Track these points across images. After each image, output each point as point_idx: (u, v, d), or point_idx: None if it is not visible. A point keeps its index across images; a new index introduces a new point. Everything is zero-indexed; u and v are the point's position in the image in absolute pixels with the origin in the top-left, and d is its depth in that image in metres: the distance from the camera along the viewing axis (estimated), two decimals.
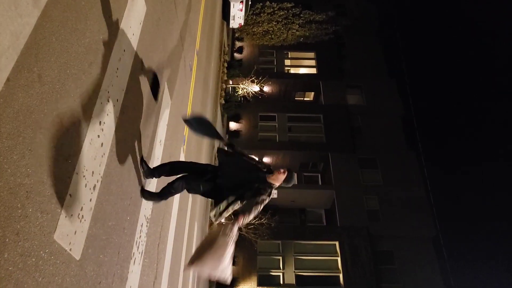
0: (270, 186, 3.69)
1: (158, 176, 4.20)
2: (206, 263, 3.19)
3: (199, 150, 9.71)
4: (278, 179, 3.64)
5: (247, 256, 17.84)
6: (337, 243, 18.62)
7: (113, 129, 3.17)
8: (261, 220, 16.30)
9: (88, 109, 2.69)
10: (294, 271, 18.16)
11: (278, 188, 3.78)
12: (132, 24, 3.67)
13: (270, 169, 3.75)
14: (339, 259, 18.31)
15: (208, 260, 3.17)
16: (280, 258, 18.52)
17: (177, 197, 6.20)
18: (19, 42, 1.88)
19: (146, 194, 4.00)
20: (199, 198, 10.33)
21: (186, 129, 7.22)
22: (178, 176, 4.00)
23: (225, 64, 20.71)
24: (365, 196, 19.83)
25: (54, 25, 2.21)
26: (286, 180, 3.65)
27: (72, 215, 2.38)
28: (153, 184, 4.48)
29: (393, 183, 20.06)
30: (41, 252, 2.04)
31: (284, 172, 3.62)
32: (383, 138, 21.45)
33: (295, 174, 3.83)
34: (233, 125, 21.94)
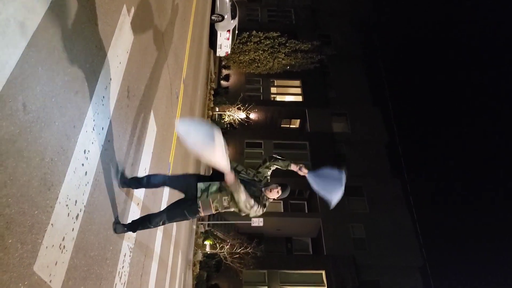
0: (266, 198, 3.80)
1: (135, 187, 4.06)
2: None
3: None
4: (272, 195, 3.76)
5: (232, 286, 17.47)
6: (323, 272, 18.43)
7: (98, 157, 3.15)
8: (246, 249, 16.09)
9: (73, 137, 2.67)
10: None
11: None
12: (119, 52, 3.71)
13: (267, 183, 3.87)
14: None
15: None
16: None
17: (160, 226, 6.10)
18: (5, 72, 1.89)
19: (119, 227, 3.66)
20: (184, 227, 10.18)
21: (172, 156, 7.20)
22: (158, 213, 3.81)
23: (212, 92, 20.91)
24: (352, 224, 19.80)
25: (40, 54, 2.23)
26: (282, 194, 3.80)
27: (53, 245, 2.33)
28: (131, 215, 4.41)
29: (379, 211, 20.11)
30: (20, 284, 1.98)
31: (278, 192, 3.75)
32: (368, 166, 21.68)
33: (288, 188, 3.88)
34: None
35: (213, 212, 3.64)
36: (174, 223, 7.80)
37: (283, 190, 3.78)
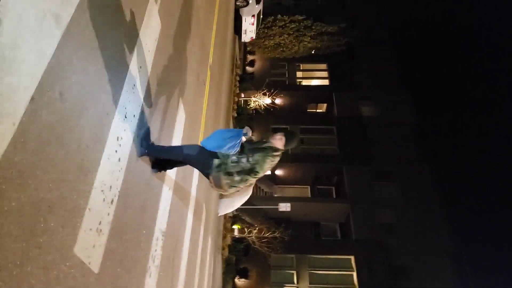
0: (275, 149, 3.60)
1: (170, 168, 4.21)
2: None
3: None
4: (277, 143, 3.60)
5: (261, 270, 17.71)
6: (352, 257, 18.36)
7: (130, 144, 3.24)
8: (274, 234, 16.22)
9: (106, 124, 2.76)
10: (309, 286, 17.94)
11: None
12: (148, 41, 3.77)
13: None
14: (354, 273, 18.03)
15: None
16: (294, 272, 18.33)
17: (191, 210, 6.24)
18: (43, 62, 1.96)
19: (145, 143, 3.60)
20: (213, 211, 10.35)
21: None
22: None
23: (237, 78, 20.92)
24: (381, 209, 19.55)
25: (74, 44, 2.29)
26: (287, 142, 3.59)
27: (91, 229, 2.43)
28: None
29: (409, 196, 19.75)
30: (62, 265, 2.09)
31: (280, 139, 3.59)
32: (398, 150, 21.21)
33: (293, 135, 3.69)
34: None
35: (223, 188, 3.53)
36: (204, 208, 7.94)
37: (287, 138, 3.59)
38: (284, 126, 22.57)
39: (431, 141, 22.78)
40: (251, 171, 3.48)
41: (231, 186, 3.51)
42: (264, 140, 3.70)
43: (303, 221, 20.87)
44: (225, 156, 3.53)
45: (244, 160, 3.47)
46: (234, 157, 3.50)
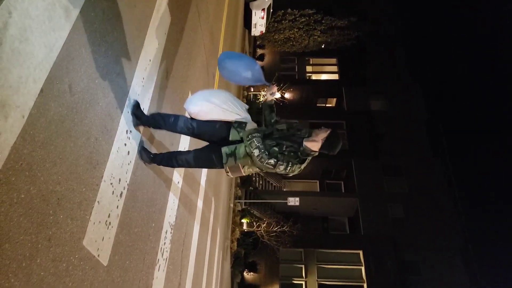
0: (307, 153, 3.11)
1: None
2: None
3: None
4: (317, 139, 3.06)
5: (269, 264, 17.77)
6: (361, 252, 18.33)
7: (139, 137, 3.24)
8: (283, 228, 16.24)
9: (116, 118, 2.76)
10: (317, 280, 17.96)
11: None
12: (157, 34, 3.75)
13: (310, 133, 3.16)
14: (363, 268, 18.01)
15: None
16: (303, 266, 18.36)
17: (200, 203, 6.25)
18: (52, 54, 1.96)
19: (145, 155, 3.30)
20: (222, 205, 10.38)
21: None
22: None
23: None
24: (390, 204, 19.46)
25: (83, 37, 2.29)
26: (329, 144, 3.04)
27: (100, 221, 2.44)
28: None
29: (419, 190, 19.62)
30: (71, 257, 2.10)
31: (326, 131, 3.05)
32: (407, 145, 21.05)
33: (339, 142, 3.10)
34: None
35: (244, 175, 3.33)
36: (213, 199, 7.96)
37: (330, 138, 3.03)
38: (293, 121, 22.43)
39: (440, 136, 22.40)
40: (282, 174, 3.23)
41: (250, 173, 3.33)
42: (303, 135, 3.20)
43: (312, 215, 20.85)
44: (249, 144, 3.07)
45: (282, 167, 3.04)
46: (271, 161, 3.02)
